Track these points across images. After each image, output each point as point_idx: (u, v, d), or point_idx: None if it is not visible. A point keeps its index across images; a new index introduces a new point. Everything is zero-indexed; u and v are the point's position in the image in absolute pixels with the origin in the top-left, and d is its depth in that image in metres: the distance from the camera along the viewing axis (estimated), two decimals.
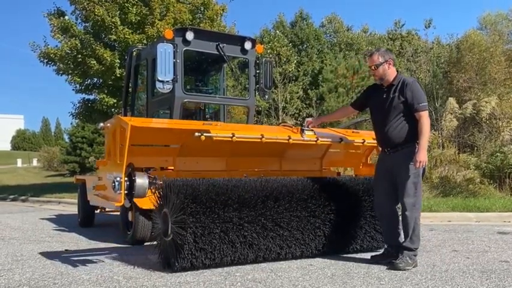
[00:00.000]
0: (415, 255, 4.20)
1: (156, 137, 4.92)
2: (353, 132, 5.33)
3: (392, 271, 4.02)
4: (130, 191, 4.00)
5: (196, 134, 4.13)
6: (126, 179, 3.96)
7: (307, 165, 5.76)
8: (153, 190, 4.21)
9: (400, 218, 4.28)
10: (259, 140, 4.45)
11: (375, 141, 4.99)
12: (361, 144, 5.13)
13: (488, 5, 76.93)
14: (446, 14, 75.27)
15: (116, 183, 3.90)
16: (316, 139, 4.74)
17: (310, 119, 4.93)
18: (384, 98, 4.32)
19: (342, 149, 5.80)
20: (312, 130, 4.84)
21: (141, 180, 4.03)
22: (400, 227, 4.36)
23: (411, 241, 4.17)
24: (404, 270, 4.02)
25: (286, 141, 4.61)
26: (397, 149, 4.25)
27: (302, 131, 4.74)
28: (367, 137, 5.15)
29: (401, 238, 4.36)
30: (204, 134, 4.14)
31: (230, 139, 4.27)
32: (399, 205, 4.33)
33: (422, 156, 4.08)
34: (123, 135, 4.00)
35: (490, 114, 12.47)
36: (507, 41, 21.65)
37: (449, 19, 75.11)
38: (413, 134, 4.20)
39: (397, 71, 4.40)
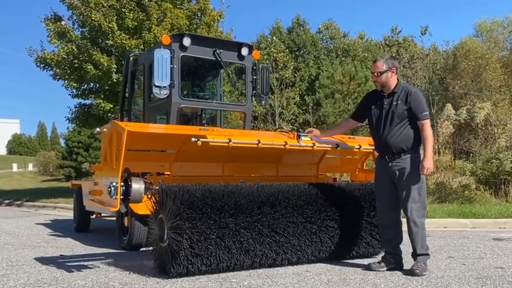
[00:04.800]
0: (428, 259, 4.28)
1: (153, 142, 4.92)
2: (349, 138, 5.35)
3: (388, 277, 4.03)
4: (126, 196, 4.00)
5: (193, 139, 4.13)
6: (122, 184, 3.95)
7: (304, 171, 5.77)
8: (149, 195, 4.21)
9: (407, 226, 4.26)
10: (255, 146, 4.45)
11: (371, 147, 5.00)
12: (357, 150, 5.14)
13: (484, 12, 77.59)
14: (443, 21, 75.67)
15: (112, 188, 3.90)
16: (312, 145, 4.75)
17: (311, 129, 4.93)
18: (386, 106, 4.35)
19: (338, 154, 5.81)
20: (308, 136, 4.84)
21: (137, 185, 4.02)
22: (401, 234, 4.39)
23: (424, 247, 4.23)
24: (422, 275, 4.06)
25: (283, 147, 4.62)
26: (399, 156, 4.28)
27: (298, 136, 4.75)
28: (363, 142, 5.17)
29: (401, 245, 4.39)
30: (201, 140, 4.14)
31: (227, 144, 4.27)
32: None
33: (430, 163, 4.14)
34: (120, 140, 4.00)
35: (486, 120, 12.53)
36: (502, 48, 21.81)
37: (445, 26, 75.52)
38: (415, 142, 4.27)
39: (397, 78, 4.45)
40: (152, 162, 5.09)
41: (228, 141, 4.26)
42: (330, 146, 4.93)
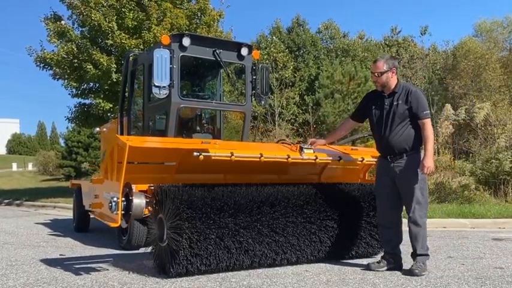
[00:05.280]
0: (427, 260, 4.28)
1: (154, 155, 4.84)
2: (352, 149, 5.30)
3: (388, 277, 4.03)
4: (127, 211, 3.97)
5: (195, 153, 4.03)
6: (123, 199, 3.92)
7: (305, 181, 5.68)
8: (150, 210, 4.19)
9: (409, 226, 4.26)
10: (258, 159, 4.35)
11: (374, 159, 4.92)
12: (360, 162, 5.07)
13: (484, 12, 77.65)
14: (442, 21, 75.79)
15: (113, 203, 3.87)
16: (315, 157, 4.62)
17: (313, 140, 4.85)
18: (386, 106, 4.34)
19: (340, 165, 5.73)
20: (311, 148, 4.71)
21: (138, 200, 4.00)
22: (401, 235, 4.39)
23: (424, 247, 4.23)
24: (421, 275, 4.06)
25: (285, 160, 4.51)
26: (401, 156, 4.28)
27: (301, 149, 4.63)
28: (365, 154, 5.10)
29: (401, 245, 4.40)
30: (203, 154, 4.05)
31: (229, 158, 4.18)
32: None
33: (430, 162, 4.13)
34: (121, 154, 3.95)
35: (485, 120, 12.53)
36: (502, 48, 21.83)
37: (445, 26, 75.64)
38: (417, 141, 4.27)
39: (397, 78, 4.44)
40: (153, 174, 5.01)
41: (230, 155, 4.17)
42: (332, 158, 4.83)
